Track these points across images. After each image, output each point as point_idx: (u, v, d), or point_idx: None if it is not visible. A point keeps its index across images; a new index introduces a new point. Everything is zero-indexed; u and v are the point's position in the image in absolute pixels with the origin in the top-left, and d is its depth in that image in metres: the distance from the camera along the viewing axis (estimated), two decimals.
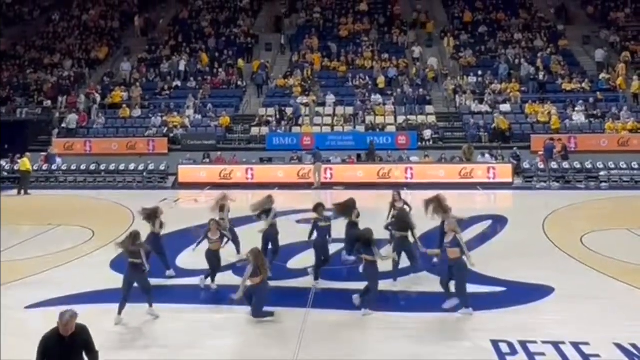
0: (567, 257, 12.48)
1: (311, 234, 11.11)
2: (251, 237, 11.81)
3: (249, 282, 8.89)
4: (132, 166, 25.73)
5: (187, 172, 24.81)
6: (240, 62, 33.35)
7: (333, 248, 11.65)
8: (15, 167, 24.88)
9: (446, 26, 35.71)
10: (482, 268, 11.35)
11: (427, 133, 27.28)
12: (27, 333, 8.14)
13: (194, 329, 8.83)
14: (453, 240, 9.12)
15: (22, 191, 22.61)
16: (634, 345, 7.91)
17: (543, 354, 7.74)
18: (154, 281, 10.02)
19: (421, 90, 30.18)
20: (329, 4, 38.73)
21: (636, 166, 23.61)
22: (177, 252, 12.57)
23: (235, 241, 12.20)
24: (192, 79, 32.64)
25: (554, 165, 23.80)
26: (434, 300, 9.19)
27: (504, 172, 23.42)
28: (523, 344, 7.98)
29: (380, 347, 8.13)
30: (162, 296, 9.98)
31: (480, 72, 31.13)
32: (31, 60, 35.89)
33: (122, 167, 25.78)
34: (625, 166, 23.70)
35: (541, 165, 23.84)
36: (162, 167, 25.64)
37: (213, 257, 10.50)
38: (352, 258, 12.10)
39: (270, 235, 11.50)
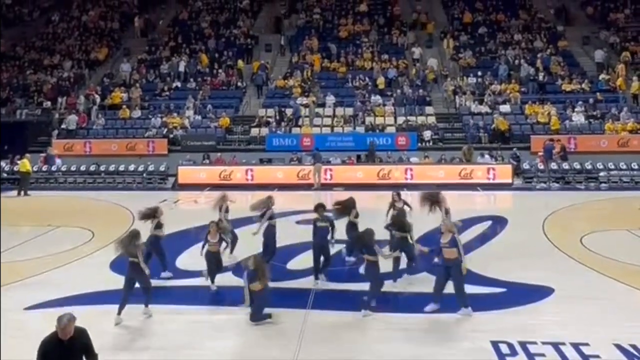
0: (567, 257, 12.48)
1: (315, 229, 11.08)
2: (251, 237, 11.81)
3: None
4: (131, 167, 25.72)
5: (187, 173, 24.81)
6: (240, 63, 33.36)
7: (333, 248, 11.62)
8: (15, 168, 24.88)
9: (446, 27, 35.73)
10: (482, 269, 11.40)
11: (427, 134, 27.28)
12: (27, 334, 8.14)
13: (194, 329, 8.83)
14: (452, 241, 9.11)
15: (22, 192, 22.61)
16: (633, 346, 7.91)
17: (543, 355, 7.73)
18: (153, 282, 10.02)
19: (421, 91, 30.19)
20: (328, 4, 38.75)
21: (636, 167, 23.62)
22: (177, 253, 12.58)
23: (233, 242, 12.18)
24: (191, 79, 32.66)
25: (553, 165, 23.81)
26: (442, 300, 9.15)
27: (503, 172, 23.42)
28: (523, 345, 7.98)
29: (380, 347, 8.12)
30: (161, 297, 9.99)
31: (480, 73, 31.14)
32: (31, 61, 35.89)
33: (121, 168, 25.78)
34: (625, 167, 23.71)
35: (541, 166, 23.84)
36: (161, 168, 25.64)
37: (212, 258, 10.50)
38: (353, 259, 12.14)
39: (269, 236, 11.50)
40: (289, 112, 29.28)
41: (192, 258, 12.08)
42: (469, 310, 9.11)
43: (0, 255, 12.40)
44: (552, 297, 9.99)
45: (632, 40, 32.58)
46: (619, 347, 7.90)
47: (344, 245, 12.36)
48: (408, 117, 28.72)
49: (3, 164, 26.17)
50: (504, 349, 7.92)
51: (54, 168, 26.02)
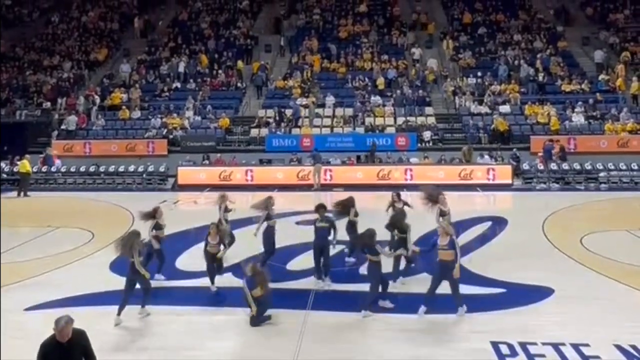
0: (566, 258, 12.48)
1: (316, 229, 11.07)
2: (250, 238, 11.82)
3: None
4: (131, 168, 25.70)
5: (187, 173, 24.80)
6: (240, 63, 33.36)
7: (334, 249, 11.61)
8: (15, 169, 24.87)
9: (445, 27, 35.75)
10: (482, 269, 11.42)
11: (427, 134, 27.28)
12: (27, 335, 8.16)
13: (194, 330, 8.83)
14: (450, 243, 9.11)
15: (22, 193, 22.60)
16: (634, 347, 7.91)
17: (543, 356, 7.74)
18: (154, 283, 10.03)
19: (421, 91, 30.19)
20: (328, 5, 38.77)
21: (636, 167, 23.61)
22: (176, 253, 12.57)
23: (229, 243, 12.16)
24: (191, 80, 32.66)
25: (553, 166, 23.81)
26: (434, 302, 9.16)
27: (503, 173, 23.42)
28: (523, 346, 7.98)
29: (380, 348, 8.12)
30: (161, 298, 10.00)
31: (479, 74, 31.15)
32: (30, 61, 35.89)
33: (121, 168, 25.76)
34: (624, 167, 23.70)
35: (540, 167, 23.84)
36: (161, 169, 25.62)
37: (212, 259, 10.51)
38: (353, 259, 12.16)
39: (267, 236, 11.52)
40: (288, 112, 29.28)
41: (191, 259, 12.09)
42: (464, 307, 9.16)
43: (0, 255, 12.40)
44: (552, 297, 9.99)
45: (631, 41, 32.59)
46: (619, 347, 7.90)
47: (344, 246, 12.38)
48: (408, 118, 28.72)
49: (3, 164, 26.16)
50: (504, 349, 7.92)
51: (53, 169, 26.00)
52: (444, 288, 9.18)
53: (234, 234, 12.37)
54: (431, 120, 28.47)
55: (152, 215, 11.33)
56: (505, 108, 28.59)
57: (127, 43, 37.57)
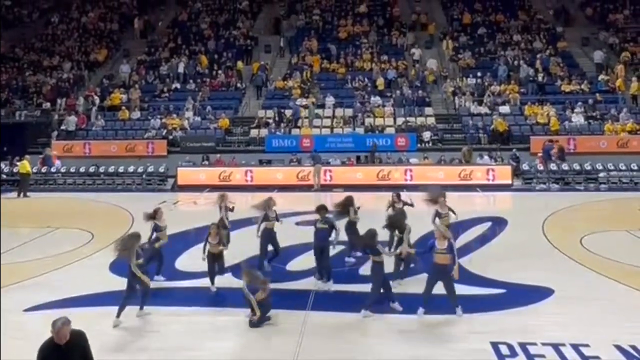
0: (566, 258, 12.48)
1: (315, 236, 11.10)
2: (250, 238, 11.81)
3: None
4: (131, 168, 25.68)
5: (187, 174, 24.80)
6: (240, 64, 33.36)
7: (334, 249, 11.61)
8: (15, 170, 24.86)
9: (445, 28, 35.75)
10: (481, 269, 11.43)
11: (427, 135, 27.28)
12: (27, 335, 8.16)
13: (194, 331, 8.82)
14: (449, 247, 9.11)
15: (22, 193, 22.59)
16: (634, 347, 7.91)
17: (543, 356, 7.74)
18: (154, 284, 10.03)
19: (420, 91, 30.20)
20: (328, 5, 38.80)
21: (635, 167, 23.61)
22: (176, 254, 12.56)
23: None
24: (191, 81, 32.67)
25: (553, 166, 23.80)
26: (434, 302, 9.16)
27: (503, 173, 23.42)
28: (523, 346, 7.98)
29: (380, 348, 8.12)
30: (161, 298, 9.99)
31: (479, 74, 31.15)
32: (30, 62, 35.90)
33: (121, 169, 25.74)
34: (624, 167, 23.70)
35: (540, 167, 23.83)
36: (161, 169, 25.61)
37: (213, 259, 10.51)
38: (353, 260, 12.17)
39: (262, 237, 11.55)
40: (288, 113, 29.28)
41: (191, 259, 12.08)
42: (460, 308, 9.16)
43: (0, 256, 12.39)
44: (552, 298, 9.99)
45: (631, 41, 32.61)
46: (619, 348, 7.90)
47: (344, 247, 12.39)
48: (407, 118, 28.73)
49: (3, 165, 26.15)
50: (504, 350, 7.92)
51: (53, 169, 25.99)
52: (442, 289, 9.18)
53: (230, 235, 12.38)
54: (431, 120, 28.48)
55: (152, 216, 11.33)
56: (505, 108, 28.60)
57: (126, 44, 37.58)
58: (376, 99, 29.92)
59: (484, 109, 28.72)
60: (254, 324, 8.88)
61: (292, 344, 8.21)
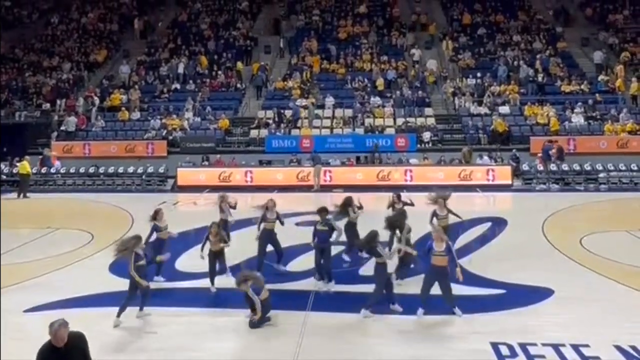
0: (566, 259, 12.48)
1: (314, 237, 11.12)
2: (251, 239, 11.82)
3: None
4: (131, 169, 25.69)
5: (186, 174, 24.80)
6: (239, 64, 33.36)
7: (334, 250, 11.61)
8: (15, 170, 24.86)
9: (445, 28, 35.74)
10: (481, 270, 11.42)
11: (426, 135, 27.27)
12: (26, 336, 8.16)
13: (193, 331, 8.82)
14: (447, 249, 9.11)
15: (22, 194, 22.58)
16: (634, 347, 7.91)
17: (543, 357, 7.74)
18: (154, 285, 10.04)
19: (420, 92, 30.20)
20: (327, 6, 38.78)
21: (635, 168, 23.62)
22: (176, 254, 12.55)
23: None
24: (191, 81, 32.67)
25: (553, 167, 23.80)
26: (434, 303, 9.16)
27: (503, 174, 23.42)
28: (523, 347, 7.98)
29: (380, 349, 8.13)
30: (161, 299, 9.99)
31: (479, 74, 31.14)
32: (30, 63, 35.90)
33: (121, 169, 25.75)
34: (624, 168, 23.71)
35: (540, 167, 23.83)
36: (161, 170, 25.61)
37: (214, 258, 10.51)
38: (348, 259, 12.20)
39: (260, 238, 11.59)
40: (288, 113, 29.27)
41: (191, 260, 12.08)
42: (458, 308, 9.19)
43: (0, 257, 12.38)
44: (552, 298, 9.99)
45: (631, 41, 32.60)
46: (619, 348, 7.90)
47: (343, 247, 12.42)
48: (407, 119, 28.73)
49: (3, 166, 26.15)
50: (504, 350, 7.92)
51: (52, 170, 25.99)
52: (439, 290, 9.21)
53: (230, 235, 12.40)
54: (431, 121, 28.47)
55: (153, 217, 11.36)
56: (504, 109, 28.60)
57: (126, 44, 37.57)
58: (376, 100, 29.92)
59: (483, 110, 28.72)
60: (254, 325, 8.88)
61: (292, 345, 8.21)
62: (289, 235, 12.51)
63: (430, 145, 27.09)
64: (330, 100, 30.05)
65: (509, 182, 23.22)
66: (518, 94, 29.56)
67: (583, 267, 11.83)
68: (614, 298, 9.99)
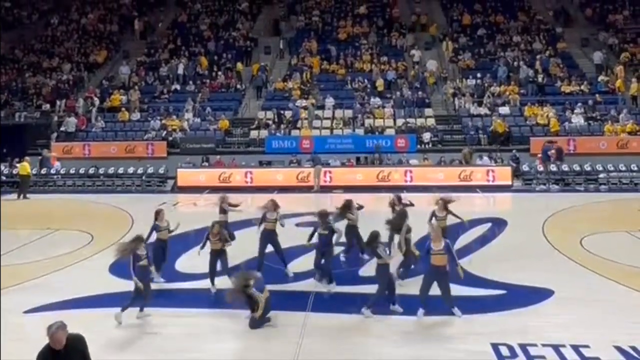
0: (566, 259, 12.48)
1: (310, 237, 11.11)
2: (250, 240, 11.81)
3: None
4: (131, 170, 25.69)
5: (186, 175, 24.79)
6: (239, 65, 33.35)
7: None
8: (15, 171, 24.84)
9: (445, 29, 35.73)
10: (481, 270, 11.41)
11: (426, 136, 27.26)
12: (26, 338, 8.16)
13: (193, 332, 8.81)
14: (445, 247, 9.11)
15: (22, 195, 22.57)
16: (634, 348, 7.91)
17: (543, 357, 7.73)
18: (154, 286, 10.03)
19: (420, 92, 30.18)
20: (327, 7, 38.78)
21: (635, 168, 23.63)
22: (176, 255, 12.55)
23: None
24: (191, 82, 32.66)
25: (553, 167, 23.79)
26: (434, 303, 9.16)
27: (503, 174, 23.42)
28: (523, 347, 7.97)
29: (380, 350, 8.12)
30: (161, 300, 9.98)
31: (479, 75, 31.12)
32: (30, 64, 35.87)
33: (121, 170, 25.75)
34: (624, 168, 23.73)
35: (540, 168, 23.83)
36: (161, 171, 25.61)
37: (215, 257, 10.51)
38: (344, 259, 12.23)
39: (263, 238, 11.63)
40: (288, 114, 29.25)
41: (191, 261, 12.08)
42: (457, 309, 9.18)
43: (0, 258, 12.38)
44: (552, 299, 9.98)
45: (631, 42, 32.59)
46: (619, 349, 7.90)
47: (342, 248, 12.43)
48: (407, 119, 28.71)
49: (2, 167, 26.13)
50: (504, 351, 7.92)
51: (52, 171, 25.98)
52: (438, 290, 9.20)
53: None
54: (431, 121, 28.46)
55: (155, 217, 11.38)
56: (504, 109, 28.59)
57: (126, 45, 37.55)
58: (376, 100, 29.91)
59: (483, 110, 28.70)
60: (254, 324, 8.87)
61: (292, 345, 8.20)
62: (289, 236, 12.50)
63: (430, 146, 27.06)
64: (330, 101, 30.04)
65: (509, 182, 23.22)
66: (518, 94, 29.55)
67: (583, 267, 11.83)
68: (614, 299, 9.99)
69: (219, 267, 10.66)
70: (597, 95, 28.83)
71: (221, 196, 13.57)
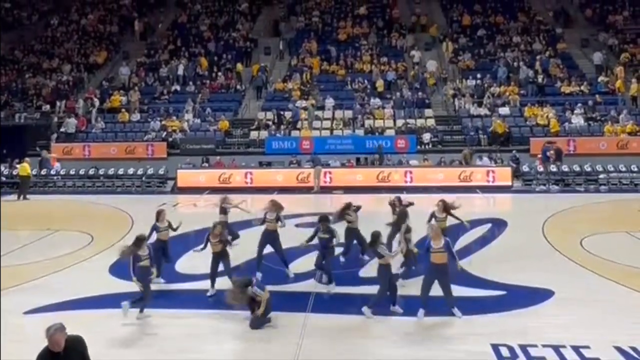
0: (566, 260, 12.47)
1: (310, 239, 11.11)
2: (251, 241, 11.81)
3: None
4: (131, 170, 25.70)
5: (186, 176, 24.79)
6: (239, 66, 33.36)
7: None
8: (15, 172, 24.84)
9: (445, 30, 35.74)
10: (481, 271, 11.41)
11: (426, 136, 27.27)
12: (26, 339, 8.15)
13: (193, 333, 8.80)
14: (445, 245, 9.11)
15: (22, 196, 22.56)
16: (634, 349, 7.90)
17: (543, 358, 7.73)
18: (154, 286, 10.03)
19: (420, 93, 30.19)
20: (327, 7, 38.79)
21: (635, 169, 23.64)
22: (176, 256, 12.54)
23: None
24: (191, 83, 32.67)
25: (553, 168, 23.79)
26: (434, 304, 9.15)
27: (503, 175, 23.42)
28: (523, 348, 7.97)
29: (380, 351, 8.11)
30: (161, 301, 9.97)
31: (479, 76, 31.13)
32: (30, 64, 35.88)
33: (120, 171, 25.76)
34: (624, 169, 23.74)
35: (540, 169, 23.83)
36: (161, 172, 25.62)
37: (216, 259, 10.50)
38: (342, 259, 12.23)
39: (263, 238, 11.66)
40: (288, 115, 29.26)
41: (191, 261, 12.07)
42: (457, 309, 9.18)
43: (0, 259, 12.37)
44: (552, 299, 9.97)
45: (630, 42, 32.59)
46: (619, 349, 7.89)
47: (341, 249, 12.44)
48: (407, 120, 28.72)
49: (2, 168, 26.13)
50: (504, 352, 7.91)
51: (52, 172, 25.97)
52: (440, 291, 9.18)
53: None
54: (430, 122, 28.47)
55: (157, 217, 11.39)
56: (504, 110, 28.60)
57: (126, 46, 37.57)
58: (376, 101, 29.91)
59: (483, 111, 28.71)
60: (255, 323, 8.87)
61: (292, 346, 8.20)
62: (288, 237, 12.49)
63: (430, 146, 27.07)
64: (330, 102, 30.05)
65: (509, 183, 23.22)
66: (518, 95, 29.56)
67: (583, 268, 11.82)
68: (615, 299, 9.98)
69: (221, 267, 10.61)
70: (597, 95, 28.84)
71: (222, 197, 13.61)
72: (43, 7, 42.20)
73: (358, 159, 26.42)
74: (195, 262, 11.43)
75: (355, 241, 12.32)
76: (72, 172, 26.03)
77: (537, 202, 20.65)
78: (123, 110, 30.64)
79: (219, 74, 33.07)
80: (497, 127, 26.73)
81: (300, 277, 11.43)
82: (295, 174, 24.32)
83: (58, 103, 31.62)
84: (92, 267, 12.50)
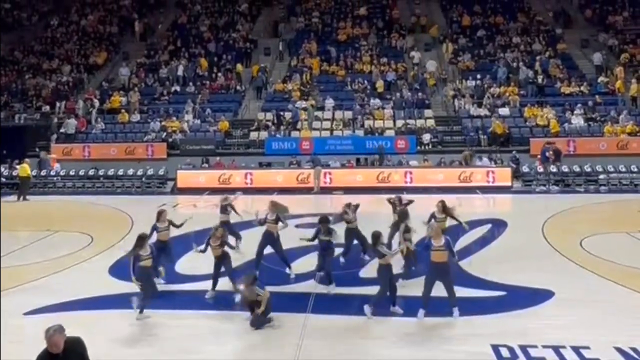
0: (566, 260, 12.46)
1: (314, 237, 11.11)
2: (251, 241, 11.82)
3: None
4: (130, 171, 25.69)
5: (186, 177, 24.79)
6: (239, 66, 33.37)
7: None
8: (15, 173, 24.84)
9: (445, 30, 35.74)
10: (481, 272, 11.41)
11: (426, 137, 27.26)
12: (26, 339, 8.14)
13: (194, 334, 8.81)
14: (446, 243, 9.11)
15: (22, 197, 22.56)
16: (634, 349, 7.90)
17: (543, 359, 7.73)
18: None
19: (420, 94, 30.18)
20: (327, 8, 38.79)
21: (635, 169, 23.63)
22: (176, 257, 12.53)
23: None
24: (190, 83, 32.67)
25: (553, 168, 23.79)
26: (434, 305, 9.15)
27: (503, 175, 23.41)
28: (523, 349, 7.97)
29: (380, 351, 8.11)
30: (161, 301, 9.96)
31: (479, 76, 31.12)
32: (29, 65, 35.88)
33: (120, 172, 25.75)
34: (624, 169, 23.73)
35: (540, 169, 23.82)
36: (160, 172, 25.61)
37: (216, 262, 10.50)
38: (342, 260, 12.24)
39: (263, 238, 11.69)
40: (288, 115, 29.25)
41: (191, 262, 12.07)
42: (457, 309, 9.16)
43: (0, 259, 12.37)
44: (552, 300, 9.97)
45: (630, 43, 32.60)
46: (620, 350, 7.89)
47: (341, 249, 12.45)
48: (407, 120, 28.72)
49: (2, 168, 26.13)
50: (505, 352, 7.91)
51: (52, 173, 25.97)
52: (441, 291, 9.18)
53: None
54: (430, 122, 28.46)
55: (158, 218, 11.40)
56: (504, 110, 28.60)
57: (126, 46, 37.57)
58: (376, 101, 29.91)
59: (483, 111, 28.70)
60: (256, 322, 8.88)
61: (292, 347, 8.20)
62: (288, 237, 12.49)
63: (430, 147, 27.07)
64: (330, 102, 30.05)
65: (509, 183, 23.21)
66: (518, 95, 29.57)
67: (583, 268, 11.82)
68: (615, 300, 9.98)
69: (225, 271, 10.60)
70: (597, 96, 28.84)
71: (224, 197, 13.65)
72: (43, 8, 42.21)
73: (358, 160, 26.42)
74: (195, 263, 11.43)
75: (355, 241, 12.33)
76: (72, 172, 26.03)
77: (537, 203, 20.65)
78: (123, 111, 30.63)
79: (219, 74, 33.08)
80: (497, 127, 26.73)
81: (300, 277, 11.43)
82: (295, 174, 24.31)
83: (58, 104, 31.62)
84: (92, 268, 12.49)
